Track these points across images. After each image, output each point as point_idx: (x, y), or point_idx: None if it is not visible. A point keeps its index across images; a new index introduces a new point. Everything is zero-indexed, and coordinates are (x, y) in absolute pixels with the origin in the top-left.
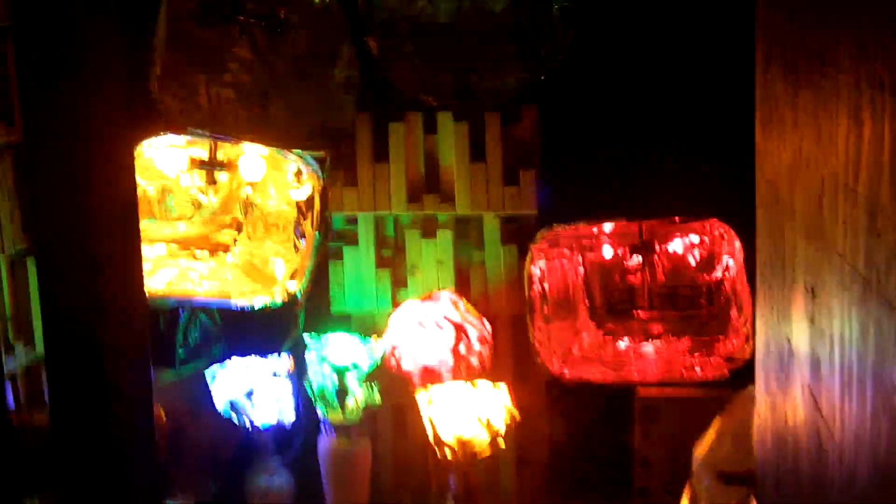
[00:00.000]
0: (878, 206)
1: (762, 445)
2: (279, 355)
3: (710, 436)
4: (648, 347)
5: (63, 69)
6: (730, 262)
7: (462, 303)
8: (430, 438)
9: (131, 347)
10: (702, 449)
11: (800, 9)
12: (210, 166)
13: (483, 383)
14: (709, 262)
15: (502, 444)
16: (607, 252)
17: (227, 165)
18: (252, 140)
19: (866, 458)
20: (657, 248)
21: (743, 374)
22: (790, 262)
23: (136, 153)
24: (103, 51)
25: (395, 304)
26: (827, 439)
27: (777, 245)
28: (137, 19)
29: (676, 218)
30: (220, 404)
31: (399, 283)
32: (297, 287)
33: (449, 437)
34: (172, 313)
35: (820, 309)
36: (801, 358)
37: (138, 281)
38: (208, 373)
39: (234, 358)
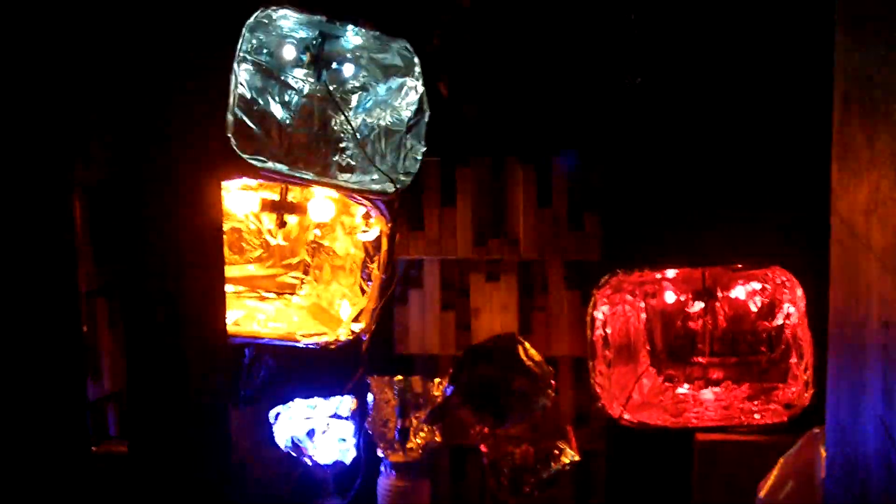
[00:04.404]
0: None
1: (830, 476)
2: (342, 396)
3: (773, 474)
4: (708, 393)
5: (155, 111)
6: (791, 310)
7: (525, 346)
8: (489, 480)
9: (213, 383)
10: (765, 488)
11: (878, 47)
12: (281, 209)
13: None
14: (770, 309)
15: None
16: (669, 298)
17: (297, 208)
18: (324, 185)
19: None
20: (719, 294)
21: (801, 421)
22: (864, 298)
23: None
24: (192, 97)
25: (458, 347)
26: None
27: (851, 281)
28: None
29: (739, 265)
30: (282, 443)
31: (462, 325)
32: (361, 328)
33: (507, 478)
34: (238, 352)
35: (894, 341)
36: (873, 389)
37: (221, 318)
38: (271, 412)
39: (296, 399)
